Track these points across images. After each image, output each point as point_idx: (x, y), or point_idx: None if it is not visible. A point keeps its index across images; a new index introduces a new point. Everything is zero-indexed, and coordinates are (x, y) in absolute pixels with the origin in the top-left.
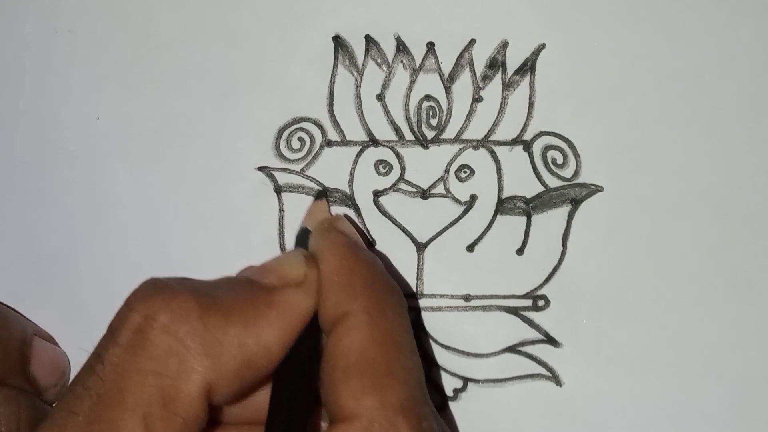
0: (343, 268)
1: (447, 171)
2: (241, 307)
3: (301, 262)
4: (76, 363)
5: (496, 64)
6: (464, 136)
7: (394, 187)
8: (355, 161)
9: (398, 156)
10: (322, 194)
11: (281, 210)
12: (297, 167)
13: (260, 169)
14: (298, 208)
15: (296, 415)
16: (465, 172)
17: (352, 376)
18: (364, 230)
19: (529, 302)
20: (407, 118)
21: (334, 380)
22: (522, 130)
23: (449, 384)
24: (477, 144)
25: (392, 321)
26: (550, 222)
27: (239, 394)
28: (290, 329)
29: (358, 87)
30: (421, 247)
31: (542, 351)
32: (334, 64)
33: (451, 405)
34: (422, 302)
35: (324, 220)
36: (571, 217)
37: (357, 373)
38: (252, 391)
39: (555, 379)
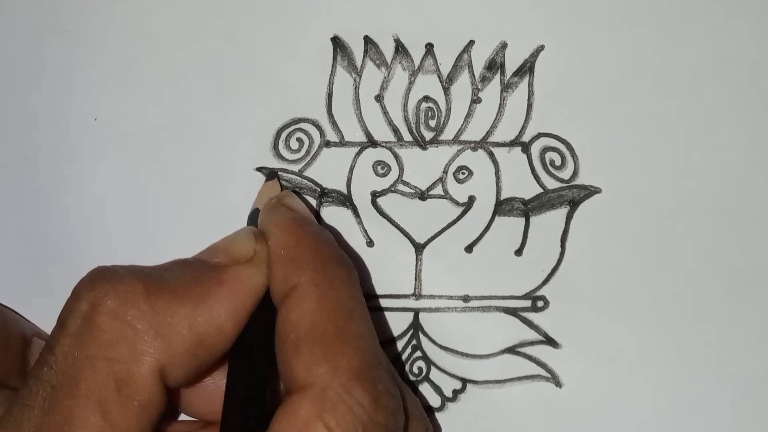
0: (290, 242)
1: (445, 172)
2: (190, 287)
3: (250, 238)
4: None
5: (494, 65)
6: (463, 138)
7: (392, 188)
8: (354, 162)
9: (397, 157)
10: (273, 174)
11: None
12: (295, 168)
13: (259, 169)
14: None
15: (253, 392)
16: (463, 173)
17: (303, 347)
18: (361, 229)
19: (528, 303)
20: (406, 119)
21: (286, 353)
22: (520, 132)
23: (448, 385)
24: (475, 145)
25: (341, 290)
26: (548, 223)
27: (195, 374)
28: (242, 306)
29: (356, 88)
30: (419, 248)
31: (541, 352)
32: (332, 65)
33: (450, 406)
34: (421, 303)
35: (272, 198)
36: (569, 218)
37: (308, 343)
38: (209, 372)
39: (554, 380)
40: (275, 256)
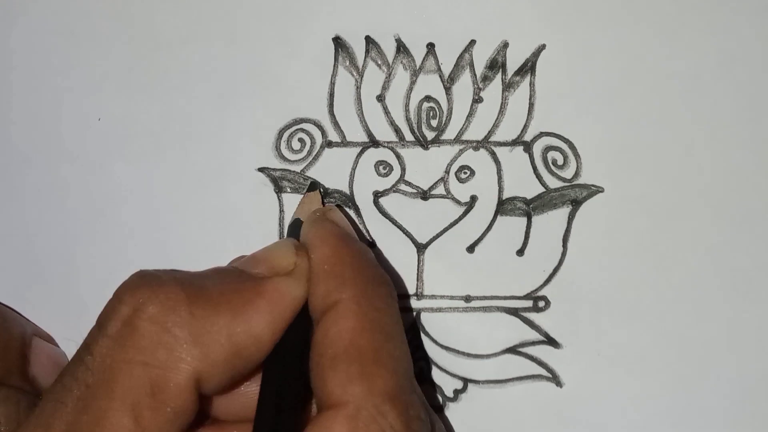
0: (333, 257)
1: (447, 172)
2: (230, 296)
3: (291, 251)
4: None
5: (496, 64)
6: (464, 137)
7: (394, 188)
8: (356, 162)
9: (398, 157)
10: (315, 186)
11: (281, 211)
12: (297, 168)
13: (261, 169)
14: None
15: (286, 403)
16: (465, 172)
17: (340, 364)
18: (363, 229)
19: (529, 303)
20: (407, 119)
21: (322, 368)
22: (522, 131)
23: (449, 385)
24: (477, 145)
25: (381, 310)
26: (550, 223)
27: (229, 383)
28: (280, 318)
29: (358, 88)
30: (421, 248)
31: (542, 352)
32: (334, 65)
33: (452, 406)
34: (422, 303)
35: (316, 211)
36: (571, 217)
37: (344, 361)
38: (243, 381)
39: (555, 380)
40: (318, 271)
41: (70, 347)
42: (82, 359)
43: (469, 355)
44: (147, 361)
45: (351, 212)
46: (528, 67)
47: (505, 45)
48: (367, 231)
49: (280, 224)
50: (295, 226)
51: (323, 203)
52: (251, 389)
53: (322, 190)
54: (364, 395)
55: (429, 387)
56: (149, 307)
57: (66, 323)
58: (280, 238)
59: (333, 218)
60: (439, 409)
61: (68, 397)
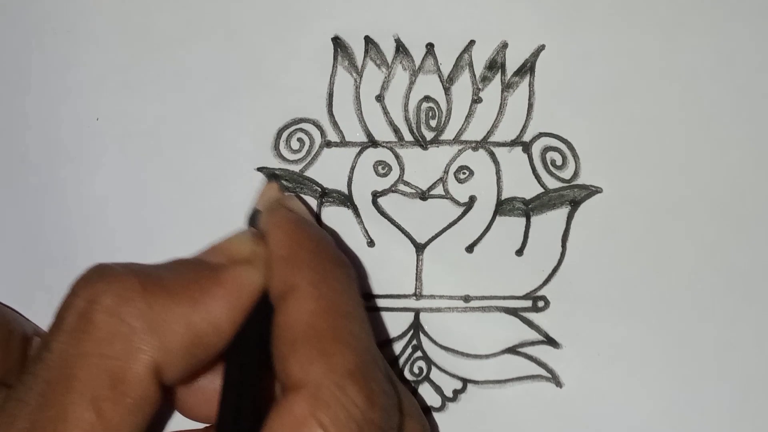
0: (289, 242)
1: (446, 172)
2: (188, 285)
3: (249, 239)
4: None
5: (495, 65)
6: (463, 137)
7: (393, 188)
8: (354, 162)
9: (397, 157)
10: (273, 176)
11: None
12: (296, 168)
13: (260, 169)
14: None
15: (248, 391)
16: (464, 173)
17: (299, 347)
18: (362, 229)
19: (528, 303)
20: (406, 119)
21: (283, 352)
22: (521, 132)
23: (449, 385)
24: (476, 145)
25: (338, 291)
26: (549, 223)
27: (190, 372)
28: (239, 306)
29: (357, 88)
30: (420, 248)
31: (542, 352)
32: (333, 65)
33: (451, 406)
34: (421, 303)
35: (273, 200)
36: (570, 218)
37: (304, 343)
38: (204, 371)
39: (555, 380)
40: (274, 257)
41: None
42: (40, 356)
43: (468, 355)
44: (104, 352)
45: (350, 212)
46: (527, 68)
47: (505, 45)
48: (366, 231)
49: None
50: (254, 216)
51: (282, 193)
52: (216, 383)
53: (279, 179)
54: (323, 374)
55: (428, 387)
56: (104, 299)
57: None
58: None
59: (289, 205)
60: (439, 410)
61: (29, 395)
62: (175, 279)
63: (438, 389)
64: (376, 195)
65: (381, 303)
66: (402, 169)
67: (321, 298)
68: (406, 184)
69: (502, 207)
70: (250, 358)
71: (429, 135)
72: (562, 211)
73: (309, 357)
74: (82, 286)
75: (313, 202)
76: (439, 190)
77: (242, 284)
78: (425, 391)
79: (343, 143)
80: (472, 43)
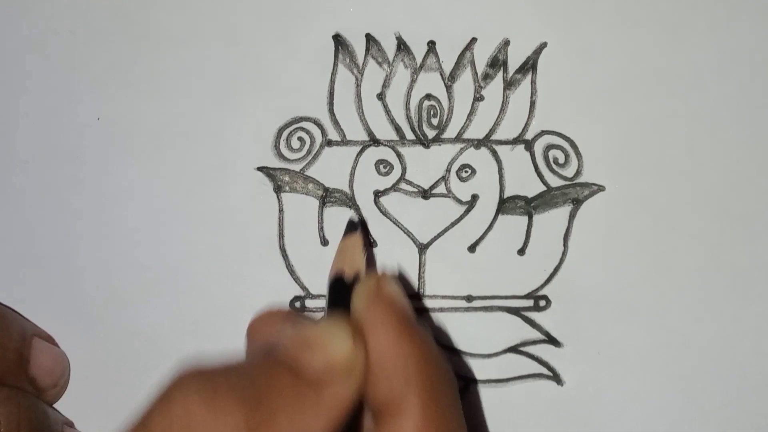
0: (397, 350)
1: (448, 171)
2: (287, 401)
3: (347, 338)
4: (76, 363)
5: (497, 62)
6: (465, 136)
7: (395, 187)
8: (356, 161)
9: (399, 156)
10: (354, 226)
11: (281, 210)
12: (297, 167)
13: (260, 169)
14: (298, 208)
15: None
16: (466, 171)
17: None
18: (371, 236)
19: (530, 302)
20: (408, 118)
21: None
22: (523, 130)
23: None
24: (478, 143)
25: (446, 410)
26: (551, 222)
27: None
28: (335, 420)
29: (358, 86)
30: (422, 248)
31: (543, 351)
32: (334, 63)
33: None
34: (424, 303)
35: (369, 282)
36: (572, 216)
37: None
38: None
39: (556, 378)
40: (379, 363)
41: (81, 357)
42: None
43: (470, 354)
44: None
45: (351, 212)
46: (529, 66)
47: (507, 43)
48: (369, 232)
49: (279, 224)
50: (338, 286)
51: (365, 248)
52: None
53: (363, 228)
54: None
55: None
56: (204, 417)
57: (66, 323)
58: (279, 237)
59: (390, 294)
60: None
61: None
62: (275, 394)
63: None
64: (377, 194)
65: None
66: (404, 168)
67: (429, 420)
68: (408, 183)
69: (505, 205)
70: None
71: (431, 133)
72: (565, 210)
73: None
74: (178, 395)
75: (314, 202)
76: (441, 188)
77: (343, 400)
78: None
79: (344, 142)
80: (473, 40)
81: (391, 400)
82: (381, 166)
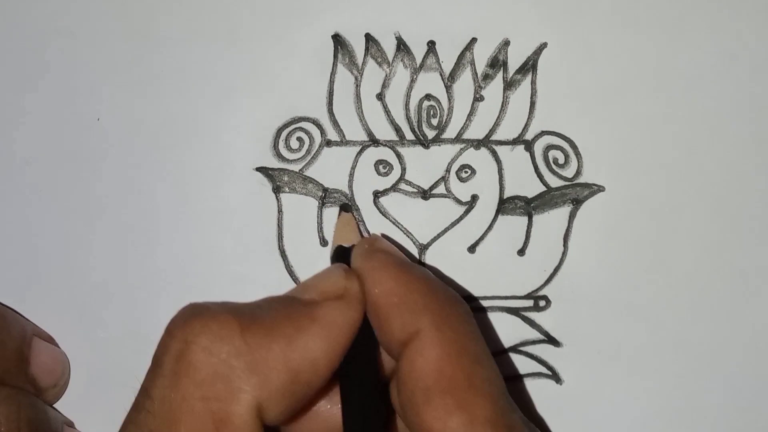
0: (400, 288)
1: (448, 171)
2: (283, 322)
3: (341, 275)
4: (76, 363)
5: (497, 63)
6: (465, 136)
7: (394, 188)
8: (355, 161)
9: (399, 156)
10: (348, 207)
11: (280, 211)
12: (296, 167)
13: (259, 169)
14: (297, 208)
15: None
16: (466, 172)
17: (434, 397)
18: (363, 229)
19: (530, 303)
20: (408, 118)
21: (416, 403)
22: (523, 130)
23: None
24: (478, 144)
25: (463, 332)
26: (551, 222)
27: (290, 411)
28: (335, 342)
29: (357, 86)
30: (422, 248)
31: (543, 350)
32: (333, 63)
33: None
34: None
35: (362, 242)
36: (572, 217)
37: (438, 393)
38: (302, 409)
39: (555, 377)
40: (386, 305)
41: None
42: (142, 404)
43: None
44: (206, 395)
45: (344, 200)
46: (529, 66)
47: (507, 43)
48: (368, 231)
49: (278, 224)
50: (340, 253)
51: (358, 225)
52: (312, 416)
53: (354, 211)
54: (465, 426)
55: None
56: (202, 339)
57: (66, 323)
58: (278, 238)
59: (383, 248)
60: None
61: None
62: (270, 316)
63: None
64: (377, 194)
65: None
66: (403, 169)
67: (447, 343)
68: (408, 183)
69: (505, 206)
70: (365, 399)
71: (430, 134)
72: (564, 210)
73: (446, 408)
74: (177, 327)
75: (313, 203)
76: (440, 189)
77: (337, 320)
78: None
79: (344, 142)
80: (473, 40)
81: (407, 336)
82: (380, 167)
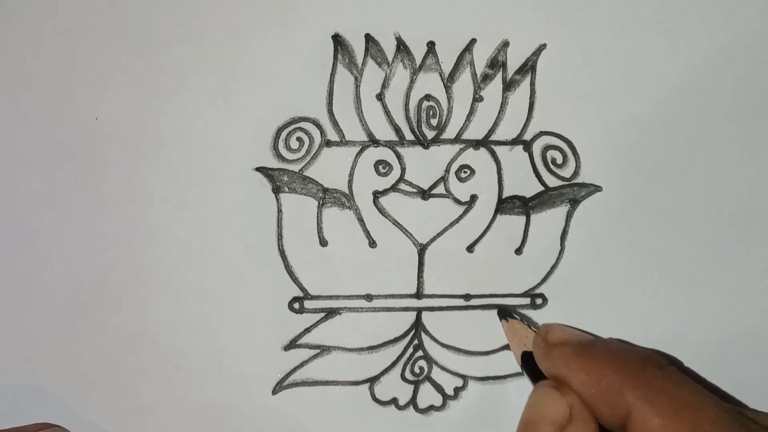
0: (591, 378)
1: (447, 171)
2: None
3: (555, 395)
4: (76, 363)
5: (496, 63)
6: (464, 136)
7: (394, 188)
8: (355, 161)
9: (398, 156)
10: (505, 314)
11: (279, 210)
12: (296, 167)
13: (258, 169)
14: (297, 208)
15: None
16: (465, 172)
17: None
18: (363, 229)
19: (527, 301)
20: (407, 118)
21: None
22: (522, 130)
23: (450, 383)
24: (477, 144)
25: (669, 391)
26: (548, 221)
27: None
28: None
29: (357, 86)
30: (421, 248)
31: None
32: (333, 63)
33: (453, 403)
34: (423, 302)
35: (537, 341)
36: (569, 216)
37: None
38: None
39: None
40: (588, 396)
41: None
42: None
43: (469, 352)
44: None
45: (351, 212)
46: (529, 67)
47: (506, 44)
48: (367, 231)
49: (278, 225)
50: (527, 360)
51: (523, 322)
52: None
53: (514, 313)
54: None
55: (429, 386)
56: None
57: (66, 323)
58: (278, 238)
59: (557, 339)
60: (440, 408)
61: None
62: None
63: (439, 388)
64: (376, 194)
65: (383, 303)
66: (403, 169)
67: (661, 411)
68: (408, 183)
69: (503, 205)
70: None
71: (430, 134)
72: (562, 210)
73: None
74: None
75: (313, 203)
76: (440, 189)
77: None
78: (426, 391)
79: (344, 142)
80: (473, 41)
81: (619, 419)
82: (380, 167)
